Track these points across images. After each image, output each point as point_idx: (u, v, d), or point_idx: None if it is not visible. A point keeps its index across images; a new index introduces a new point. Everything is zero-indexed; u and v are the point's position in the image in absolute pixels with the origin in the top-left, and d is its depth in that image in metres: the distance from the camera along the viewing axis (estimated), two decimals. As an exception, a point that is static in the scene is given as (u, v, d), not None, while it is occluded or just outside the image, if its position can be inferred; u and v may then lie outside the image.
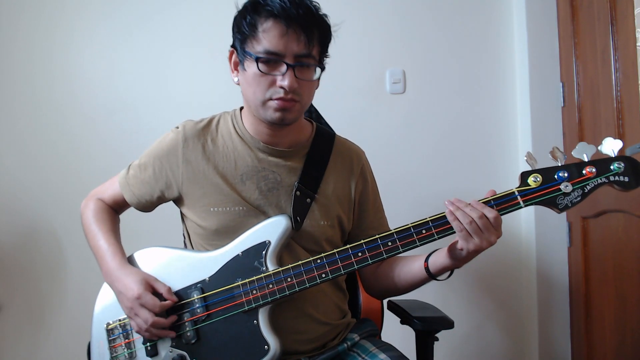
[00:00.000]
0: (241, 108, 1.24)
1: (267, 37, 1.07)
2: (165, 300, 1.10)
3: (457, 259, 1.08)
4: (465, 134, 2.14)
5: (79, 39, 2.10)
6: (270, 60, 1.08)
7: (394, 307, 1.47)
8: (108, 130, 2.09)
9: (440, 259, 1.12)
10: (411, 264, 1.19)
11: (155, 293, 1.11)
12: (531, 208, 2.01)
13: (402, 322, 1.40)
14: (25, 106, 2.09)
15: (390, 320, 1.47)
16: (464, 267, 2.15)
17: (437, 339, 1.34)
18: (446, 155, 2.13)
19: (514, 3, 2.13)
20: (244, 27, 1.10)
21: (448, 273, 1.14)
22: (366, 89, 2.12)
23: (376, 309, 1.48)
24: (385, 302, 1.52)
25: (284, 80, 1.08)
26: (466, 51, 2.15)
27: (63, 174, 2.08)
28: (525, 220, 2.11)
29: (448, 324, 1.33)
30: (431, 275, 1.14)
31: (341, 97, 2.10)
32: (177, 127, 1.23)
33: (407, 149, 2.13)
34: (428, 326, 1.33)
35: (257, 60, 1.08)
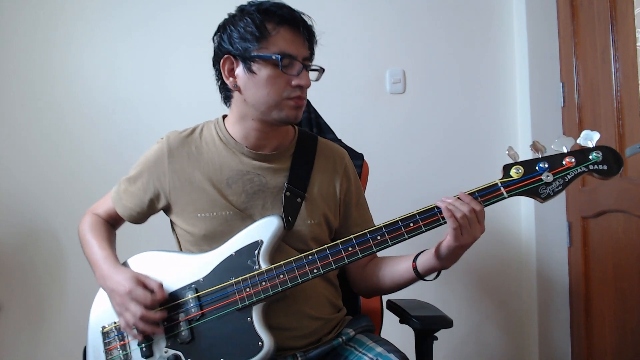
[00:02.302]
0: (224, 117, 1.27)
1: (282, 40, 1.13)
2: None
3: (443, 259, 1.11)
4: (465, 133, 2.14)
5: (78, 39, 2.11)
6: (286, 62, 1.13)
7: (393, 307, 1.47)
8: (108, 130, 2.09)
9: (428, 259, 1.15)
10: (399, 264, 1.21)
11: (147, 290, 1.12)
12: (531, 208, 2.04)
13: (401, 322, 1.40)
14: (25, 106, 2.09)
15: (390, 320, 1.47)
16: (464, 267, 2.16)
17: (436, 339, 1.34)
18: (446, 155, 2.13)
19: (514, 3, 2.13)
20: (252, 32, 1.14)
21: (435, 274, 1.17)
22: (366, 89, 2.12)
23: (375, 308, 1.49)
24: (384, 301, 1.52)
25: (301, 79, 1.14)
26: (466, 51, 2.15)
27: (63, 174, 2.08)
28: (525, 221, 2.11)
29: (447, 323, 1.33)
30: (419, 276, 1.17)
31: (341, 97, 2.10)
32: (162, 138, 1.26)
33: (407, 149, 2.13)
34: (427, 325, 1.33)
35: (281, 60, 1.12)
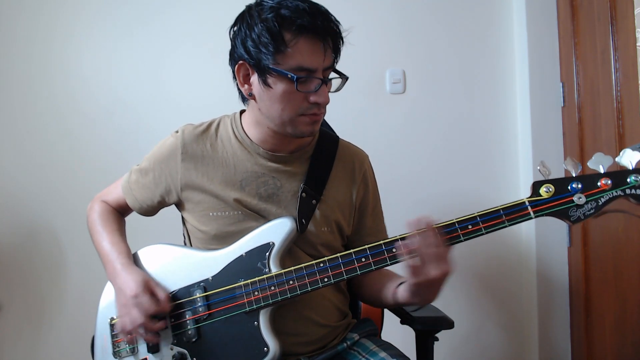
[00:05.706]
0: (241, 112, 1.23)
1: (299, 53, 1.03)
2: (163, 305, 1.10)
3: (411, 294, 1.05)
4: (465, 133, 2.14)
5: (78, 39, 2.10)
6: (304, 79, 1.05)
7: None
8: (107, 130, 2.09)
9: (404, 289, 1.08)
10: (393, 282, 1.16)
11: (154, 297, 1.11)
12: (531, 208, 2.03)
13: (402, 322, 1.40)
14: (25, 106, 2.09)
15: (391, 320, 1.47)
16: (464, 267, 2.15)
17: (437, 339, 1.34)
18: (446, 155, 2.13)
19: (514, 3, 2.13)
20: (267, 43, 1.03)
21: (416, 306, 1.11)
22: (366, 89, 2.12)
23: (376, 309, 1.48)
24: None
25: (319, 96, 1.06)
26: (466, 51, 2.14)
27: (63, 175, 2.08)
28: (525, 220, 2.10)
29: (448, 324, 1.33)
30: (397, 302, 1.12)
31: (341, 97, 2.07)
32: (177, 132, 1.22)
33: (407, 149, 2.13)
34: (428, 326, 1.33)
35: (297, 79, 1.03)
